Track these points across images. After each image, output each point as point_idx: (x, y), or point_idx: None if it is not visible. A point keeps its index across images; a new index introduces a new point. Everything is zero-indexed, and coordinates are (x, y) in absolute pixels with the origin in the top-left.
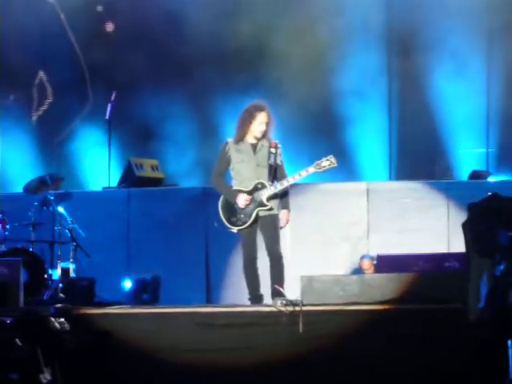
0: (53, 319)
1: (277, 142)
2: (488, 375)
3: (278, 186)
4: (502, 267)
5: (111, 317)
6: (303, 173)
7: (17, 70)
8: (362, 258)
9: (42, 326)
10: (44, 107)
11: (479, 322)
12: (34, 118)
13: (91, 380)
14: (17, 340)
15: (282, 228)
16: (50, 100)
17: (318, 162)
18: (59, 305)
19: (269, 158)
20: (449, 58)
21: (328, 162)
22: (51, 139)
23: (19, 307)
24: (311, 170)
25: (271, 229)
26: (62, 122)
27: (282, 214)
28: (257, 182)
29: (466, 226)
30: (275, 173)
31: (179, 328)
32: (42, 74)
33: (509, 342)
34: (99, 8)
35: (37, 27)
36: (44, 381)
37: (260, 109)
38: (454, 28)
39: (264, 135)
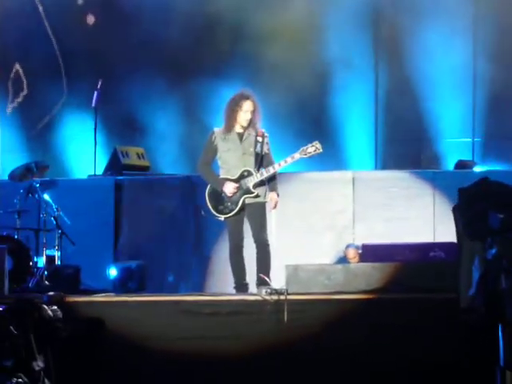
0: (46, 307)
1: (263, 130)
2: (478, 363)
3: (265, 173)
4: (493, 251)
5: (100, 305)
6: (289, 159)
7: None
8: (348, 247)
9: (35, 314)
10: (19, 99)
11: (470, 307)
12: (9, 110)
13: (83, 368)
14: (11, 327)
15: (272, 210)
16: (25, 93)
17: (304, 148)
18: (51, 292)
19: (255, 147)
20: (435, 43)
21: (313, 147)
22: (33, 127)
23: (12, 295)
24: (297, 156)
25: (258, 217)
26: (41, 110)
27: (271, 197)
28: (243, 169)
29: (456, 211)
30: (262, 161)
31: (165, 316)
32: (17, 66)
33: (500, 327)
34: (80, 1)
35: (15, 20)
36: (37, 368)
37: (245, 97)
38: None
39: (250, 124)
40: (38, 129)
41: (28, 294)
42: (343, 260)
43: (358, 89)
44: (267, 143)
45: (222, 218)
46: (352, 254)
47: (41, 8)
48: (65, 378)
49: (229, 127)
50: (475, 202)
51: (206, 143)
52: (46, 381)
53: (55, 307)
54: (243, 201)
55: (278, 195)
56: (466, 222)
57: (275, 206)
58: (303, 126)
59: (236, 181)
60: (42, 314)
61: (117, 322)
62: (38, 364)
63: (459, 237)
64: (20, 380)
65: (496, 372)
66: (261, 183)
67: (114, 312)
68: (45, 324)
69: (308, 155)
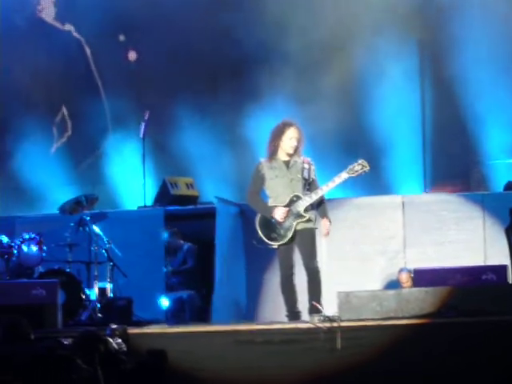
0: (110, 340)
1: (309, 159)
2: None
3: (314, 196)
4: None
5: (160, 336)
6: (337, 179)
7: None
8: (401, 271)
9: (101, 347)
10: (63, 140)
11: None
12: (54, 150)
13: None
14: (78, 361)
15: (324, 236)
16: (69, 133)
17: (351, 166)
18: (114, 325)
19: (302, 173)
20: (485, 64)
21: (360, 166)
22: (79, 164)
23: (76, 328)
24: (344, 175)
25: (308, 244)
26: (87, 148)
27: (323, 223)
28: (292, 195)
29: (509, 231)
30: (309, 187)
31: (219, 346)
32: (64, 109)
33: None
34: (121, 37)
35: (60, 62)
36: None
37: (289, 124)
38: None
39: (295, 151)
40: (83, 166)
41: (91, 328)
42: (395, 285)
43: (403, 112)
44: (314, 170)
45: (275, 245)
46: (405, 278)
47: (88, 51)
48: None
49: (273, 155)
50: None
51: (253, 173)
52: None
53: (119, 340)
54: (295, 226)
55: (330, 222)
56: None
57: (328, 233)
58: (348, 150)
59: (286, 206)
60: (107, 347)
61: (175, 353)
62: None
63: None
64: None
65: None
66: (311, 208)
67: (172, 343)
68: (110, 357)
69: (355, 174)
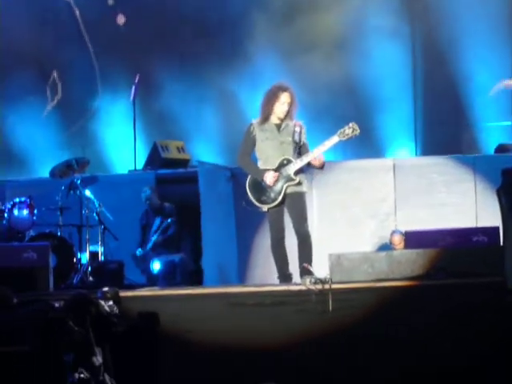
0: (102, 302)
1: (301, 122)
2: None
3: (304, 159)
4: None
5: (152, 299)
6: (327, 143)
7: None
8: (393, 233)
9: (93, 310)
10: (54, 103)
11: None
12: (45, 113)
13: (139, 362)
14: (70, 323)
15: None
16: (59, 96)
17: (341, 130)
18: (106, 288)
19: (293, 136)
20: (476, 28)
21: (351, 129)
22: (70, 126)
23: (68, 291)
24: (335, 139)
25: (299, 208)
26: (77, 111)
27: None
28: (282, 158)
29: (500, 192)
30: (300, 150)
31: (210, 308)
32: (55, 73)
33: None
34: (110, 1)
35: (50, 25)
36: (97, 363)
37: (283, 89)
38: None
39: (287, 115)
40: (73, 129)
41: (83, 290)
42: (386, 248)
43: (395, 76)
44: (304, 133)
45: (265, 208)
46: (398, 240)
47: (77, 12)
48: (123, 372)
49: (266, 118)
50: None
51: (245, 134)
52: (105, 375)
53: (111, 302)
54: (285, 189)
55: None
56: (511, 204)
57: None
58: (340, 113)
59: (276, 170)
60: (99, 310)
61: (167, 316)
62: (98, 359)
63: (504, 218)
64: (82, 375)
65: None
66: (301, 171)
67: (164, 306)
68: (102, 319)
69: (346, 137)
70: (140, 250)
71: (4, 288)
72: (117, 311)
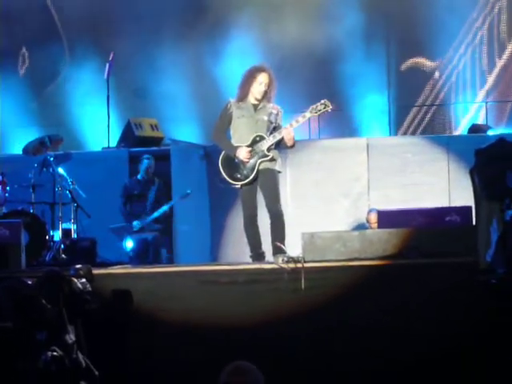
0: (75, 280)
1: (279, 106)
2: (499, 325)
3: (277, 135)
4: (511, 212)
5: (125, 277)
6: (300, 118)
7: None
8: (370, 211)
9: (66, 287)
10: (23, 72)
11: (489, 268)
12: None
13: (112, 340)
14: (43, 300)
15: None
16: (26, 65)
17: (313, 106)
18: (79, 265)
19: (269, 116)
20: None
21: (323, 105)
22: (39, 96)
23: (41, 268)
24: (307, 114)
25: (271, 186)
26: (45, 80)
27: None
28: (255, 135)
29: (473, 173)
30: (274, 131)
31: (183, 286)
32: (24, 49)
33: None
34: None
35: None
36: (70, 341)
37: (261, 69)
38: None
39: (264, 96)
40: (43, 98)
41: (55, 268)
42: (359, 227)
43: (369, 55)
44: (281, 117)
45: (238, 185)
46: (374, 218)
47: None
48: (95, 350)
49: (243, 98)
50: (493, 163)
51: (222, 111)
52: (78, 353)
53: (84, 280)
54: (258, 166)
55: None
56: (484, 184)
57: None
58: (315, 91)
59: (249, 146)
60: (72, 287)
61: (139, 294)
62: (71, 337)
63: (477, 199)
64: (55, 353)
65: None
66: (274, 148)
67: (136, 284)
68: (75, 297)
69: (318, 113)
70: (138, 222)
71: None
72: (90, 289)
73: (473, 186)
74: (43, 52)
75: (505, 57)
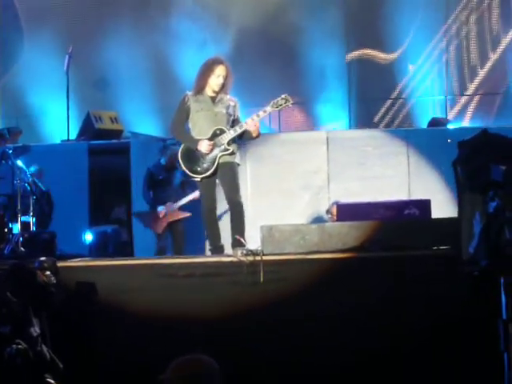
0: (39, 272)
1: (235, 98)
2: (479, 317)
3: (238, 129)
4: (494, 203)
5: (88, 269)
6: (261, 113)
7: None
8: (333, 204)
9: (31, 280)
10: None
11: (472, 260)
12: None
13: (75, 332)
14: (8, 293)
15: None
16: None
17: (274, 101)
18: (43, 258)
19: (228, 109)
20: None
21: (284, 100)
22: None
23: (4, 261)
24: (268, 109)
25: (231, 178)
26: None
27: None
28: (215, 128)
29: (456, 164)
30: (233, 124)
31: (141, 279)
32: None
33: (501, 280)
34: None
35: None
36: (34, 334)
37: (218, 62)
38: None
39: (222, 89)
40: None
41: (21, 260)
42: (319, 220)
43: (329, 49)
44: (238, 108)
45: (198, 178)
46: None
47: None
48: (59, 342)
49: (200, 90)
50: (476, 155)
51: (179, 104)
52: (43, 346)
53: (48, 272)
54: (219, 159)
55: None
56: (467, 176)
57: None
58: (277, 87)
59: (209, 139)
60: (36, 280)
61: (100, 287)
62: (35, 330)
63: (460, 190)
64: (20, 346)
65: (498, 325)
66: (234, 142)
67: (96, 276)
68: (40, 290)
69: (279, 108)
70: (162, 207)
71: None
72: (54, 281)
73: (455, 177)
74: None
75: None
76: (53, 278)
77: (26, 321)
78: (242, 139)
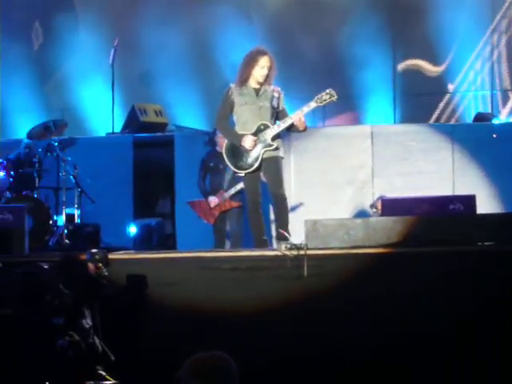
0: (91, 264)
1: (279, 88)
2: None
3: (282, 125)
4: None
5: (137, 262)
6: (305, 108)
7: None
8: (379, 198)
9: (82, 272)
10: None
11: None
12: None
13: (126, 324)
14: (60, 285)
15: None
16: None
17: (319, 96)
18: (94, 250)
19: (271, 101)
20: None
21: (328, 95)
22: (46, 81)
23: (58, 253)
24: (312, 104)
25: (275, 171)
26: (54, 66)
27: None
28: (259, 123)
29: None
30: (277, 116)
31: (186, 272)
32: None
33: None
34: None
35: None
36: (87, 326)
37: (262, 53)
38: None
39: (266, 80)
40: (48, 87)
41: (72, 252)
42: (362, 214)
43: (375, 42)
44: (282, 100)
45: (242, 173)
46: None
47: None
48: (110, 334)
49: (244, 82)
50: None
51: (223, 98)
52: (95, 338)
53: (100, 264)
54: (263, 154)
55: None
56: None
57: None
58: (320, 79)
59: (254, 134)
60: (88, 272)
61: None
62: (87, 322)
63: None
64: (73, 338)
65: None
66: (278, 136)
67: (140, 269)
68: (91, 282)
69: (323, 103)
70: (214, 197)
71: None
72: (106, 273)
73: None
74: (57, 42)
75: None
76: (104, 270)
77: (78, 313)
78: (289, 131)
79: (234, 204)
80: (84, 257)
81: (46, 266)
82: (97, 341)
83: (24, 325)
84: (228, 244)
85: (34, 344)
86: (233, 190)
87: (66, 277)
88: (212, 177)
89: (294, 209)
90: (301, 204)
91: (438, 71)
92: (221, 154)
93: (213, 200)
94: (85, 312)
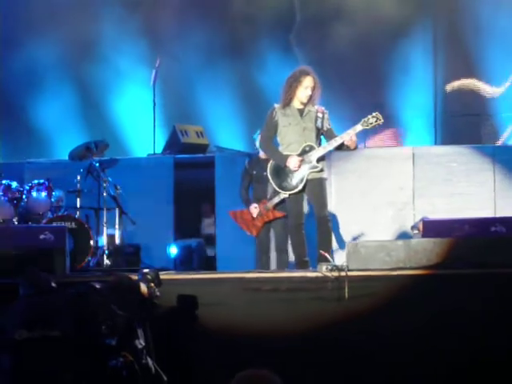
0: (144, 285)
1: (323, 108)
2: None
3: (327, 146)
4: None
5: (186, 282)
6: (351, 131)
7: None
8: (421, 220)
9: (134, 292)
10: None
11: None
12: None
13: (178, 344)
14: (112, 306)
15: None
16: None
17: (365, 119)
18: (146, 270)
19: (316, 122)
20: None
21: (374, 118)
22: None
23: (110, 273)
24: (358, 127)
25: (319, 192)
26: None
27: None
28: (304, 144)
29: None
30: (325, 135)
31: (226, 293)
32: None
33: None
34: None
35: None
36: (139, 346)
37: (306, 73)
38: None
39: (310, 100)
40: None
41: (124, 273)
42: (403, 236)
43: (415, 61)
44: (328, 119)
45: (286, 194)
46: None
47: None
48: (162, 354)
49: (288, 103)
50: None
51: (267, 119)
52: (148, 359)
53: (152, 284)
54: (307, 176)
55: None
56: None
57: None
58: (361, 101)
59: (299, 156)
60: (141, 292)
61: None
62: (140, 342)
63: None
64: (126, 358)
65: None
66: (323, 158)
67: (181, 290)
68: (144, 302)
69: (370, 126)
70: (255, 205)
71: (40, 271)
72: (157, 293)
73: None
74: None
75: None
76: (156, 290)
77: (131, 333)
78: (338, 150)
79: (278, 214)
80: (136, 277)
81: (98, 286)
82: (150, 361)
83: (76, 345)
84: (271, 258)
85: (86, 365)
86: (276, 199)
87: (118, 297)
88: (255, 185)
89: (334, 230)
90: (341, 225)
91: (494, 92)
92: (264, 160)
93: (254, 208)
94: (137, 332)
